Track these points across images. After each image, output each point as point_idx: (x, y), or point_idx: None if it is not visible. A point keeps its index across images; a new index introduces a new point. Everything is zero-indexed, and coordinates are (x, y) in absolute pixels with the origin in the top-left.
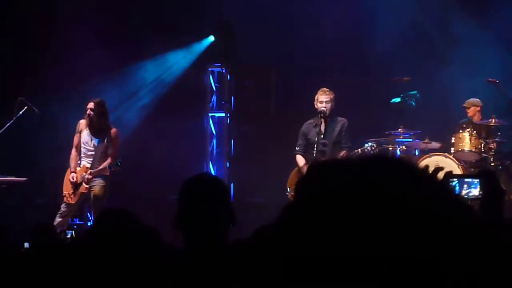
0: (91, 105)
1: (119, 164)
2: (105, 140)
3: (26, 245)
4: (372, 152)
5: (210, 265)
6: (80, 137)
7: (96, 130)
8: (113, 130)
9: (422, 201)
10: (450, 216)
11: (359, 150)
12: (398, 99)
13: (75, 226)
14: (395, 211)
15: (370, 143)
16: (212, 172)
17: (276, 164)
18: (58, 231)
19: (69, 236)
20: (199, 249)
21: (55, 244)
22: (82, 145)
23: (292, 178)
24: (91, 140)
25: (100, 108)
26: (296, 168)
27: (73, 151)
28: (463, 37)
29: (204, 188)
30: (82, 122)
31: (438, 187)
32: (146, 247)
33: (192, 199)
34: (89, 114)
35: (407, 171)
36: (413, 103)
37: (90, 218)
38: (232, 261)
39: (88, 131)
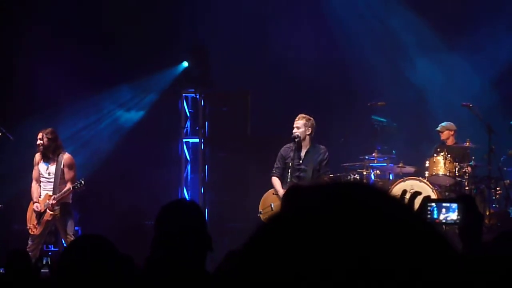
0: (39, 135)
1: (82, 182)
2: (62, 166)
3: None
4: None
5: None
6: (38, 169)
7: (50, 159)
8: (67, 156)
9: (397, 221)
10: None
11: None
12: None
13: (49, 253)
14: (369, 231)
15: (352, 176)
16: (187, 198)
17: (251, 189)
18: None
19: (44, 262)
20: (176, 276)
21: (30, 270)
22: (41, 176)
23: (265, 199)
24: (47, 169)
25: (49, 136)
26: (270, 190)
27: (34, 184)
28: (438, 61)
29: (181, 214)
30: (37, 155)
31: (406, 209)
32: (120, 273)
33: (169, 225)
34: (38, 145)
35: (379, 194)
36: (384, 121)
37: (64, 245)
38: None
39: (43, 161)
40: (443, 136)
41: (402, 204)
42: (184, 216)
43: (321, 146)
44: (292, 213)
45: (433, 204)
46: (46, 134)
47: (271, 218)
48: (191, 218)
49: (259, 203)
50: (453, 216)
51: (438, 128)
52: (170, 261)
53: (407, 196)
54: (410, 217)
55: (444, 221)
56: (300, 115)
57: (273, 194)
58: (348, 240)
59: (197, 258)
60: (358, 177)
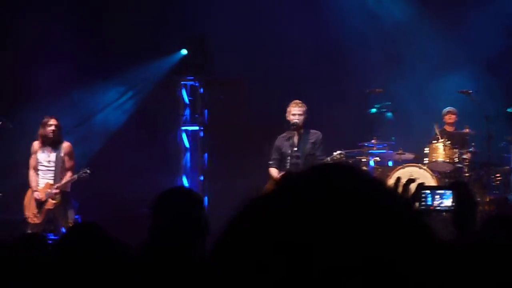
0: (53, 121)
1: (88, 171)
2: (62, 154)
3: None
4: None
5: (184, 277)
6: (36, 158)
7: (53, 147)
8: (68, 144)
9: (376, 202)
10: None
11: (328, 158)
12: (374, 110)
13: (49, 241)
14: (351, 212)
15: (338, 151)
16: (186, 186)
17: (250, 176)
18: None
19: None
20: (172, 262)
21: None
22: (39, 164)
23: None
24: (48, 156)
25: (60, 124)
26: (270, 182)
27: (31, 172)
28: (435, 48)
29: (178, 201)
30: (36, 143)
31: (388, 191)
32: (116, 260)
33: (166, 213)
34: (53, 131)
35: (360, 176)
36: (390, 114)
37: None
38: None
39: (43, 149)
40: (451, 119)
41: (385, 188)
42: (181, 203)
43: (314, 131)
44: (270, 197)
45: (427, 191)
46: (58, 120)
47: (251, 200)
48: (187, 205)
49: (258, 190)
50: (447, 202)
51: (450, 109)
52: (167, 248)
53: (402, 183)
54: (393, 201)
55: (438, 207)
56: (297, 102)
57: (272, 184)
58: (318, 224)
59: (194, 244)
60: (344, 157)
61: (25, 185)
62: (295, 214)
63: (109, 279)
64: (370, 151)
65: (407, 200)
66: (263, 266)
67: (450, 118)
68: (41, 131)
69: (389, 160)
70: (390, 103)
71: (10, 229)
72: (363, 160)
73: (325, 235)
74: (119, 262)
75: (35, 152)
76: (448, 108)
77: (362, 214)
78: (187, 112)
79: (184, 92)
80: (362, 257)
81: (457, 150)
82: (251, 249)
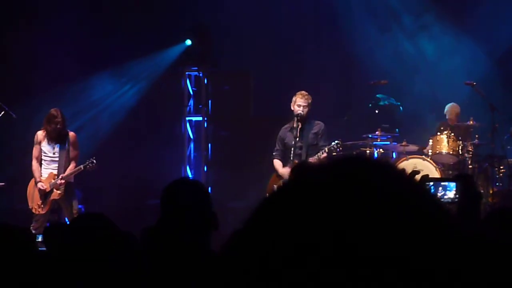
0: (59, 117)
1: (94, 162)
2: (66, 145)
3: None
4: (338, 149)
5: (191, 271)
6: (40, 148)
7: (58, 138)
8: (72, 134)
9: (402, 199)
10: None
11: (326, 148)
12: (380, 102)
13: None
14: (375, 208)
15: (336, 141)
16: (190, 176)
17: (254, 168)
18: None
19: (39, 239)
20: (180, 255)
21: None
22: (43, 155)
23: (271, 183)
24: (54, 148)
25: (64, 116)
26: (275, 173)
27: (34, 162)
28: (440, 39)
29: (185, 193)
30: (40, 133)
31: (414, 186)
32: (123, 251)
33: (174, 205)
34: (58, 128)
35: (384, 169)
36: (390, 102)
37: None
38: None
39: (47, 140)
40: (451, 115)
41: (408, 182)
42: (188, 195)
43: (316, 121)
44: (295, 186)
45: (431, 182)
46: (62, 114)
47: (275, 191)
48: (195, 197)
49: (261, 182)
50: (450, 194)
51: (448, 109)
52: (174, 240)
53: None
54: (416, 195)
55: (441, 199)
56: (303, 93)
57: (276, 177)
58: (347, 218)
59: (201, 237)
60: (341, 146)
61: (28, 175)
62: (316, 212)
63: (114, 269)
64: (374, 143)
65: (431, 193)
66: (277, 265)
67: (451, 115)
68: (46, 125)
69: (393, 151)
70: (389, 99)
71: (13, 218)
72: (367, 151)
73: (349, 232)
74: (125, 253)
75: (39, 143)
76: (446, 108)
77: (388, 210)
78: (191, 102)
79: (188, 83)
80: (391, 257)
81: (461, 142)
82: (268, 247)
